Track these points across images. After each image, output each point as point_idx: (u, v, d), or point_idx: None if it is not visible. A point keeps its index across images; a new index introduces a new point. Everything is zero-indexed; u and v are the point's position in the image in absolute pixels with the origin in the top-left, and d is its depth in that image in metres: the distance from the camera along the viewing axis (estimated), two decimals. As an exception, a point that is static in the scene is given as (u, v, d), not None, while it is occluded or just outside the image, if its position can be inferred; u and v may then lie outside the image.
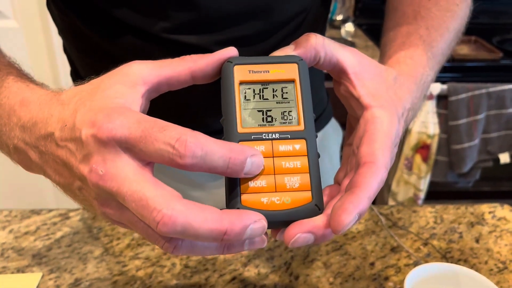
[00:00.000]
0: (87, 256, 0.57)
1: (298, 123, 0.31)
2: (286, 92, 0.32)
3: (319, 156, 0.31)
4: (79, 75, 0.61)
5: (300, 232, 0.28)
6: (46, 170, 0.31)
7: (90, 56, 0.56)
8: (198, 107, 0.56)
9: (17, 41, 1.46)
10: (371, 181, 0.29)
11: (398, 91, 0.35)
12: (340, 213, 0.27)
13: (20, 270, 0.55)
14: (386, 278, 0.54)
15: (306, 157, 0.30)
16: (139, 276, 0.54)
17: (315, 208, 0.30)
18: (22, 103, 0.32)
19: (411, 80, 0.37)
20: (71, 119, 0.29)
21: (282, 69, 0.32)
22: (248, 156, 0.28)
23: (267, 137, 0.30)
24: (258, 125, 0.31)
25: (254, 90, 0.32)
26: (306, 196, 0.30)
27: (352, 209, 0.27)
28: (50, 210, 0.66)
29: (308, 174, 0.30)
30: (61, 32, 0.58)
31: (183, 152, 0.26)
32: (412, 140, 1.50)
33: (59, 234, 0.61)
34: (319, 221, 0.29)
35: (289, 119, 0.31)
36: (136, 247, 0.59)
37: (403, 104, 0.35)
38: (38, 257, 0.57)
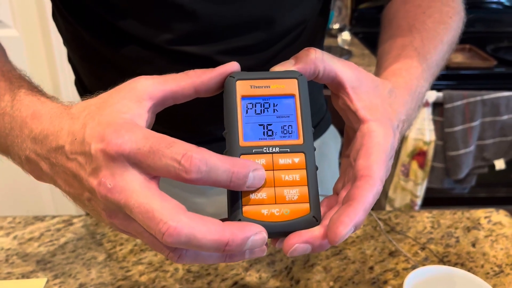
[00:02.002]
0: (91, 262, 0.58)
1: (298, 137, 0.32)
2: (286, 107, 0.33)
3: (317, 169, 0.32)
4: (83, 85, 0.62)
5: (298, 242, 0.30)
6: (56, 180, 0.33)
7: (94, 65, 0.57)
8: (201, 116, 0.57)
9: (17, 50, 1.47)
10: (367, 194, 0.30)
11: (393, 104, 0.37)
12: (338, 225, 0.29)
13: (25, 275, 0.56)
14: (385, 282, 0.56)
15: (305, 170, 0.32)
16: (142, 281, 0.55)
17: (313, 219, 0.31)
18: (33, 115, 0.33)
19: (406, 92, 0.39)
20: (80, 133, 0.30)
21: (282, 84, 0.33)
22: (251, 170, 0.29)
23: (267, 151, 0.32)
24: (259, 139, 0.32)
25: (255, 105, 0.33)
26: (304, 208, 0.31)
27: (349, 222, 0.29)
28: (53, 217, 0.67)
29: (306, 187, 0.31)
30: (66, 42, 0.59)
31: (189, 168, 0.27)
32: (408, 147, 1.52)
33: (63, 240, 0.62)
34: (316, 232, 0.30)
35: (289, 133, 0.32)
36: (139, 253, 0.60)
37: (398, 116, 0.36)
38: (43, 263, 0.58)
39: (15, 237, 0.63)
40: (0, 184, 1.61)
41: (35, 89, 0.37)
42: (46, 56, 1.52)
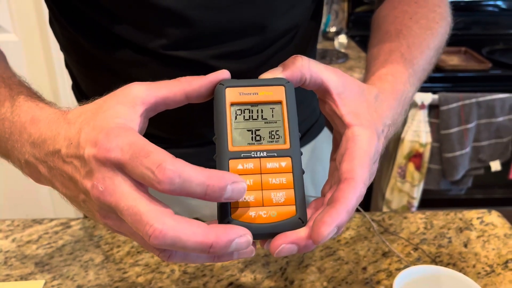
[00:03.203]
0: (89, 264, 0.59)
1: (285, 142, 0.34)
2: (274, 113, 0.34)
3: (303, 173, 0.33)
4: (80, 89, 0.63)
5: (284, 243, 0.31)
6: (54, 183, 0.34)
7: (91, 70, 0.58)
8: (194, 120, 0.58)
9: (16, 54, 1.48)
10: (350, 197, 0.31)
11: (379, 109, 0.37)
12: (320, 226, 0.30)
13: (23, 277, 0.57)
14: (378, 282, 0.56)
15: (291, 173, 0.33)
16: (139, 282, 0.56)
17: (299, 221, 0.32)
18: (32, 121, 0.35)
19: (392, 97, 0.40)
20: (76, 138, 0.31)
21: (270, 91, 0.34)
22: (228, 183, 0.29)
23: (255, 155, 0.33)
24: (248, 143, 0.33)
25: (244, 111, 0.34)
26: (290, 210, 0.32)
27: (331, 222, 0.30)
28: (51, 220, 0.67)
29: (292, 190, 0.33)
30: (63, 48, 0.60)
31: (161, 179, 0.27)
32: (405, 149, 1.53)
33: (60, 243, 0.63)
34: (302, 233, 0.31)
35: (276, 138, 0.34)
36: (136, 254, 0.61)
37: (383, 121, 0.37)
38: (41, 265, 0.59)
39: (13, 240, 0.63)
40: (-1, 187, 1.62)
41: (34, 95, 0.38)
42: (45, 61, 1.53)
